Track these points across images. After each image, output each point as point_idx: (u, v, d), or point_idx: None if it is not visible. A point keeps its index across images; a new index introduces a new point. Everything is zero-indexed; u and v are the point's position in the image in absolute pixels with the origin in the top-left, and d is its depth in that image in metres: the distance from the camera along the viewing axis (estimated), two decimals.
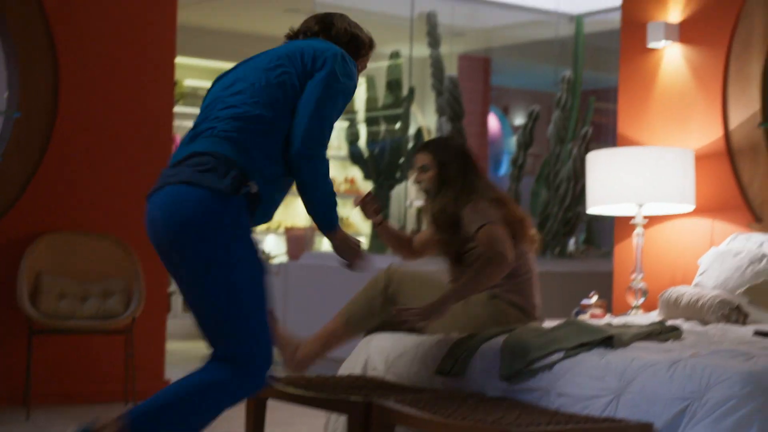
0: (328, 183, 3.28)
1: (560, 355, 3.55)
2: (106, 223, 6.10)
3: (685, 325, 4.51)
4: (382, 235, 4.45)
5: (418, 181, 4.34)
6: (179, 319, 10.02)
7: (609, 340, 3.59)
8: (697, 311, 4.75)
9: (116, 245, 5.98)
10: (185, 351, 8.77)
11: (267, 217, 3.31)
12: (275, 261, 9.28)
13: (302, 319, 7.20)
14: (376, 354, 4.15)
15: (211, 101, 3.34)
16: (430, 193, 4.32)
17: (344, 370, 4.27)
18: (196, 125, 3.30)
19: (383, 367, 4.09)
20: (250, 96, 3.25)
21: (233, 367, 3.06)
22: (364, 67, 3.69)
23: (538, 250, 4.34)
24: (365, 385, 3.85)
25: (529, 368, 3.57)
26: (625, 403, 3.30)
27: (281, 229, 10.68)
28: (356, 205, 4.32)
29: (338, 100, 3.31)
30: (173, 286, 9.97)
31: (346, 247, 3.41)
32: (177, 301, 10.08)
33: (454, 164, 4.29)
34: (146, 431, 2.98)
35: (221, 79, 3.42)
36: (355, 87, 3.41)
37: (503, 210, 4.18)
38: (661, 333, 3.85)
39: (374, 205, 4.31)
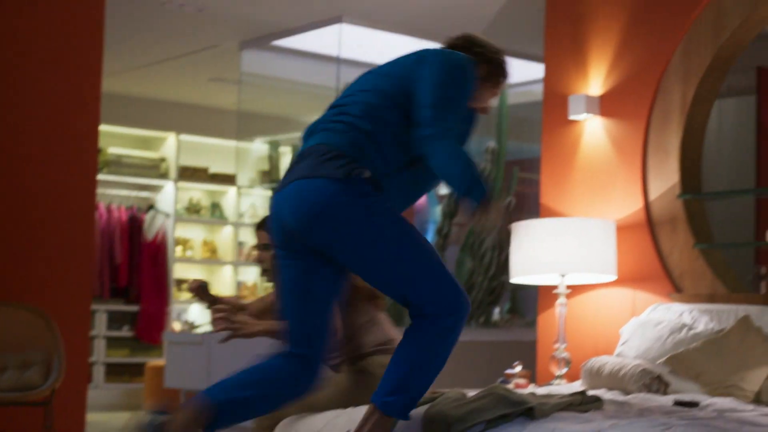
0: (457, 162, 3.39)
1: (481, 427, 3.54)
2: (25, 293, 6.00)
3: (607, 395, 4.53)
4: None
5: (259, 260, 4.38)
6: (100, 389, 9.86)
7: (530, 411, 3.58)
8: (618, 381, 4.78)
9: (35, 315, 5.88)
10: (106, 422, 8.62)
11: (406, 203, 3.54)
12: (199, 331, 9.18)
13: None
14: None
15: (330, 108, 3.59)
16: (269, 272, 4.35)
17: None
18: (314, 125, 3.55)
19: None
20: (360, 95, 3.49)
21: (434, 318, 3.29)
22: (495, 93, 3.80)
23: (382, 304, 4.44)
24: None
25: None
26: None
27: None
28: (189, 290, 4.33)
29: (452, 84, 3.47)
30: (94, 356, 9.81)
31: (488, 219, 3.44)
32: (98, 371, 9.92)
33: None
34: (403, 404, 3.31)
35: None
36: (469, 77, 3.54)
37: None
38: (582, 403, 3.86)
39: (207, 292, 4.32)
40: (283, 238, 3.46)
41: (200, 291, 4.30)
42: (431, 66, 3.51)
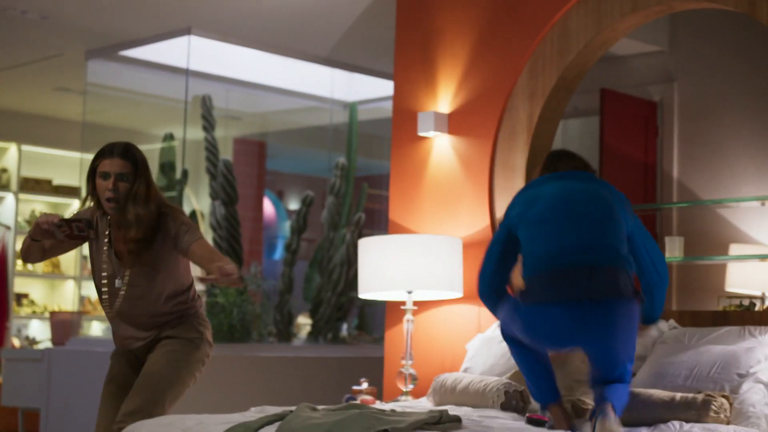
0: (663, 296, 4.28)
1: None
2: None
3: (454, 411, 4.54)
4: (32, 246, 4.29)
5: (114, 189, 4.23)
6: None
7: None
8: (480, 396, 4.78)
9: None
10: None
11: None
12: (40, 346, 8.93)
13: (67, 407, 6.92)
14: None
15: (564, 218, 4.14)
16: (119, 202, 4.24)
17: None
18: (569, 244, 4.08)
19: None
20: (601, 221, 4.13)
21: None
22: None
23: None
24: None
25: None
26: None
27: (46, 314, 10.30)
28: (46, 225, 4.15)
29: None
30: None
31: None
32: None
33: (148, 173, 4.30)
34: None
35: (558, 196, 4.21)
36: None
37: None
38: (440, 422, 3.83)
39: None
40: (559, 340, 4.12)
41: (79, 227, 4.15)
42: (635, 218, 4.26)
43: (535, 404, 4.74)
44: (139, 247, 4.24)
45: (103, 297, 4.38)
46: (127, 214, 4.22)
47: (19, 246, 10.35)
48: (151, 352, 4.41)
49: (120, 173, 4.23)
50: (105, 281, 4.34)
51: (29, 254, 4.33)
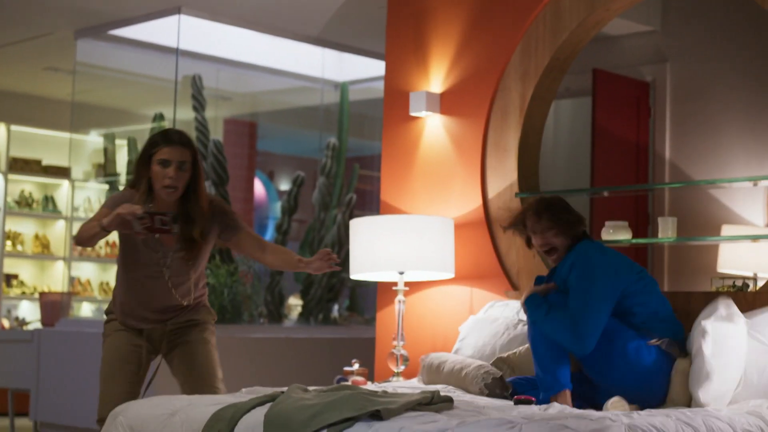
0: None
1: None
2: None
3: (449, 392, 4.52)
4: (99, 235, 4.18)
5: (175, 177, 4.24)
6: None
7: (377, 413, 3.52)
8: (460, 380, 4.76)
9: None
10: None
11: None
12: (29, 327, 8.90)
13: (56, 388, 6.89)
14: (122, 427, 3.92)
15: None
16: (176, 191, 4.27)
17: None
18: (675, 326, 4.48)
19: None
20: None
21: None
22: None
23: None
24: None
25: None
26: None
27: (36, 294, 10.26)
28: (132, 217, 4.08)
29: None
30: None
31: None
32: None
33: (200, 160, 4.38)
34: None
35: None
36: None
37: None
38: (432, 402, 3.80)
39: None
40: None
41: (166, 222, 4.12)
42: None
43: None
44: (201, 241, 4.35)
45: (148, 288, 4.40)
46: (191, 213, 4.31)
47: (8, 227, 10.31)
48: (171, 335, 4.46)
49: (181, 161, 4.26)
50: (157, 270, 4.37)
51: (92, 240, 4.20)
